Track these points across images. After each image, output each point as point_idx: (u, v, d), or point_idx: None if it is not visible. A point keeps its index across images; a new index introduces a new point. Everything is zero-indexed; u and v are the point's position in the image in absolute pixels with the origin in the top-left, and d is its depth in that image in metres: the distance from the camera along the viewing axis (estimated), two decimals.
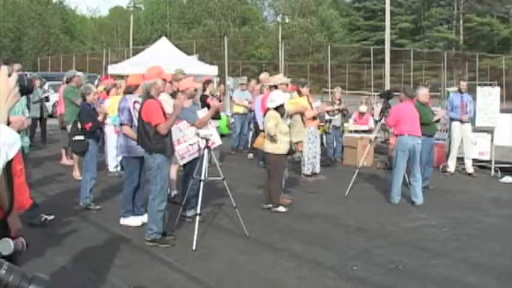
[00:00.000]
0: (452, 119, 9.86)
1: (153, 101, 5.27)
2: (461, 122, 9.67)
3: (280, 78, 8.03)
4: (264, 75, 10.92)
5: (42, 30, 50.68)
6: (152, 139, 5.20)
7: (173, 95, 6.69)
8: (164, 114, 5.29)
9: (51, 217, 5.99)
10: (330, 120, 10.73)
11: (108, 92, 9.33)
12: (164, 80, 5.51)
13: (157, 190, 5.29)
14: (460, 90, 9.88)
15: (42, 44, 49.98)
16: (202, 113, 6.39)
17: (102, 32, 57.02)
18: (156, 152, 5.24)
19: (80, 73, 9.12)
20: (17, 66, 5.59)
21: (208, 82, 9.23)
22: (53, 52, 46.86)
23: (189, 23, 54.95)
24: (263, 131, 7.13)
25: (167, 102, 5.71)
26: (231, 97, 16.15)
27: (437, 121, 8.57)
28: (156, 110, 5.21)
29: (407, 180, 7.61)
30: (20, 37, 49.77)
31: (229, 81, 18.69)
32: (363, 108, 11.95)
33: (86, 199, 6.74)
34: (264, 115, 7.01)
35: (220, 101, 9.31)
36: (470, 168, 9.80)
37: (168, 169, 5.56)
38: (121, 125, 6.07)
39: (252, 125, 11.61)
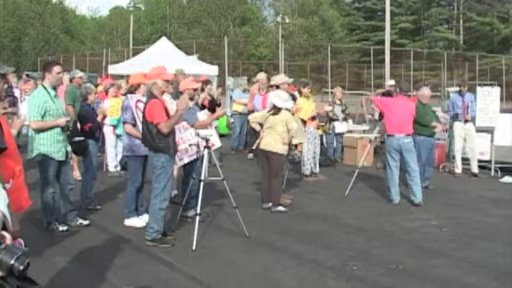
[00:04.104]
0: (454, 119, 9.84)
1: (156, 100, 5.28)
2: (464, 122, 9.64)
3: (282, 78, 8.04)
4: (259, 76, 10.93)
5: (42, 30, 50.70)
6: (155, 138, 5.22)
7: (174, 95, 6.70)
8: (168, 113, 5.30)
9: (87, 222, 5.99)
10: (331, 121, 10.73)
11: (107, 92, 9.33)
12: (167, 80, 5.50)
13: (160, 188, 5.30)
14: (460, 92, 9.86)
15: (42, 44, 49.97)
16: (203, 115, 6.39)
17: (102, 32, 57.00)
18: (159, 151, 5.25)
19: (82, 73, 9.09)
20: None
21: (206, 82, 9.19)
22: (53, 52, 46.85)
23: (189, 23, 54.92)
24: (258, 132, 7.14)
25: (168, 103, 5.71)
26: (231, 97, 16.17)
27: (434, 127, 8.37)
28: (158, 109, 5.22)
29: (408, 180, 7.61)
30: (20, 37, 49.77)
31: (230, 81, 18.69)
32: (391, 81, 11.67)
33: (86, 199, 6.74)
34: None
35: (219, 105, 9.28)
36: (474, 168, 9.74)
37: (172, 168, 5.56)
38: (124, 123, 6.08)
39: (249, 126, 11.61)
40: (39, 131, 5.46)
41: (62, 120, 5.58)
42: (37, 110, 5.41)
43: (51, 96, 5.54)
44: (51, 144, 5.51)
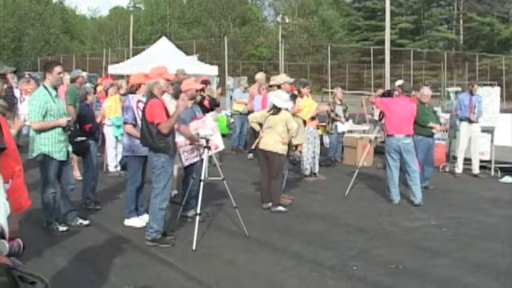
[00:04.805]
0: (460, 119, 9.78)
1: (156, 100, 5.29)
2: (470, 122, 9.56)
3: (283, 78, 8.03)
4: (258, 76, 10.93)
5: (42, 30, 50.74)
6: (155, 138, 5.22)
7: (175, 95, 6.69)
8: (167, 113, 5.30)
9: (87, 222, 5.99)
10: (333, 121, 10.71)
11: (106, 92, 9.32)
12: (167, 80, 5.50)
13: (160, 188, 5.30)
14: (471, 92, 9.67)
15: (42, 44, 50.00)
16: (210, 117, 6.42)
17: (102, 32, 57.00)
18: (159, 151, 5.25)
19: (85, 73, 9.08)
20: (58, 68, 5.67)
21: (206, 82, 9.17)
22: (53, 52, 46.87)
23: (189, 23, 54.94)
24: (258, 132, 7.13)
25: (167, 103, 5.71)
26: (231, 97, 16.16)
27: (432, 128, 8.35)
28: (158, 109, 5.23)
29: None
30: (20, 37, 49.80)
31: (230, 81, 18.69)
32: (400, 82, 11.53)
33: (86, 199, 6.74)
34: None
35: (218, 105, 9.29)
36: (476, 169, 9.71)
37: (172, 168, 5.57)
38: (124, 123, 6.08)
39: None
40: (40, 131, 5.46)
41: (63, 120, 5.57)
42: (38, 110, 5.41)
43: (52, 96, 5.53)
44: (52, 144, 5.50)
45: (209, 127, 6.22)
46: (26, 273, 1.71)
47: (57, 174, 5.65)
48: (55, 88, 5.67)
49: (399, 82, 11.13)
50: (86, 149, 6.59)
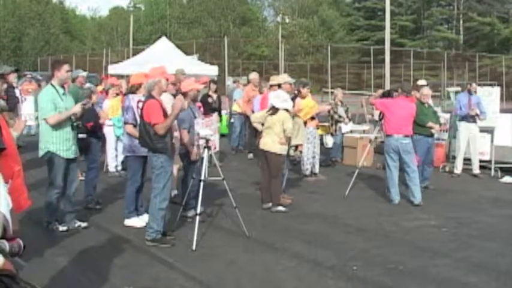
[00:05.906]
0: (459, 119, 9.75)
1: (153, 100, 5.29)
2: (471, 120, 9.49)
3: (284, 77, 8.03)
4: (252, 76, 10.92)
5: (42, 30, 50.69)
6: (153, 139, 5.22)
7: (175, 95, 6.70)
8: (165, 114, 5.30)
9: (85, 224, 5.95)
10: (336, 122, 10.70)
11: (107, 92, 9.32)
12: (167, 79, 5.52)
13: (159, 188, 5.30)
14: (469, 91, 9.64)
15: (42, 44, 49.94)
16: (215, 118, 6.44)
17: (102, 32, 56.98)
18: (158, 152, 5.25)
19: (85, 73, 9.07)
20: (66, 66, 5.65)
21: (211, 82, 9.28)
22: (53, 52, 46.82)
23: (189, 23, 54.89)
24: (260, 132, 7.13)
25: (168, 103, 5.71)
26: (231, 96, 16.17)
27: (431, 128, 8.33)
28: (155, 109, 5.22)
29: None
30: (20, 37, 49.77)
31: (229, 81, 18.72)
32: (422, 81, 11.27)
33: (87, 197, 6.75)
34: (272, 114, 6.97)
35: (215, 110, 9.37)
36: (476, 169, 9.70)
37: (172, 168, 5.57)
38: (125, 123, 6.08)
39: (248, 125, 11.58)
40: (50, 128, 5.43)
41: (77, 108, 5.57)
42: (50, 105, 5.40)
43: (60, 94, 5.54)
44: (60, 143, 5.50)
45: (213, 127, 6.24)
46: (22, 281, 1.71)
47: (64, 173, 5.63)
48: (62, 86, 5.67)
49: (422, 82, 10.85)
50: (87, 146, 6.62)
